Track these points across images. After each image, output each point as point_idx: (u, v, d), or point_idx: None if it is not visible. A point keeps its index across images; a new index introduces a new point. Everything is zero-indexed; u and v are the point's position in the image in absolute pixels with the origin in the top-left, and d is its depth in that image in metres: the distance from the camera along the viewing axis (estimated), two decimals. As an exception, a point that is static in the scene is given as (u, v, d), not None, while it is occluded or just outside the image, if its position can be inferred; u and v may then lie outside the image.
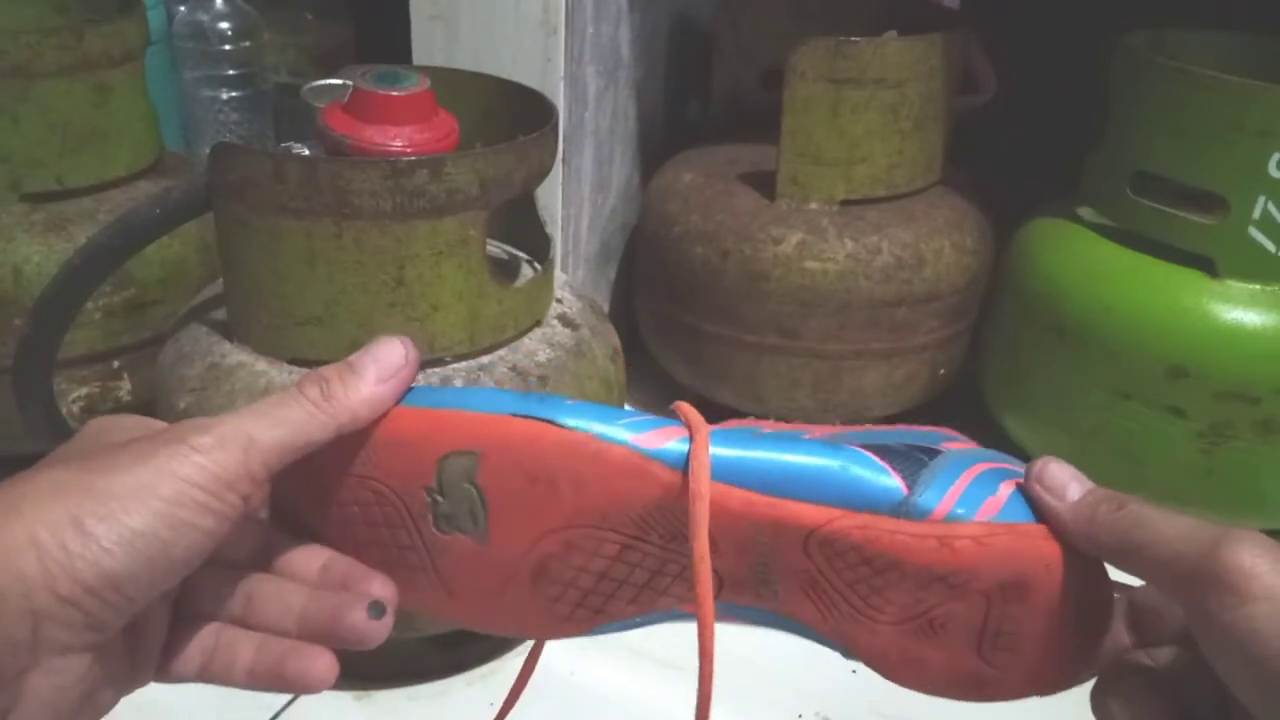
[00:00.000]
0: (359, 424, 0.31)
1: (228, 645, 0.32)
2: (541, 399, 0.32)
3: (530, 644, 0.38)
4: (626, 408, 0.33)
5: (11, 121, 0.68)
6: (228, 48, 1.05)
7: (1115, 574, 0.31)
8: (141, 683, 0.31)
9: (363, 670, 0.63)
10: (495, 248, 0.66)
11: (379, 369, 0.31)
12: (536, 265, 0.66)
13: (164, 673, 0.32)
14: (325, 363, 0.55)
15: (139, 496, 0.26)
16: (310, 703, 0.62)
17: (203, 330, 0.59)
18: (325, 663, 0.31)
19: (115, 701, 0.30)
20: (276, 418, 0.29)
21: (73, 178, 0.72)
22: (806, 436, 0.32)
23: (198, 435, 0.28)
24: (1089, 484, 0.30)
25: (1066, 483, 0.30)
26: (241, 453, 0.28)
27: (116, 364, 0.74)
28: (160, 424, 0.31)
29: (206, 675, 0.32)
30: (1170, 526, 0.28)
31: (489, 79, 0.65)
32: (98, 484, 0.26)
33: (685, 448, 0.31)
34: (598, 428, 0.31)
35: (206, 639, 0.32)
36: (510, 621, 0.35)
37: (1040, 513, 0.31)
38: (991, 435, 0.84)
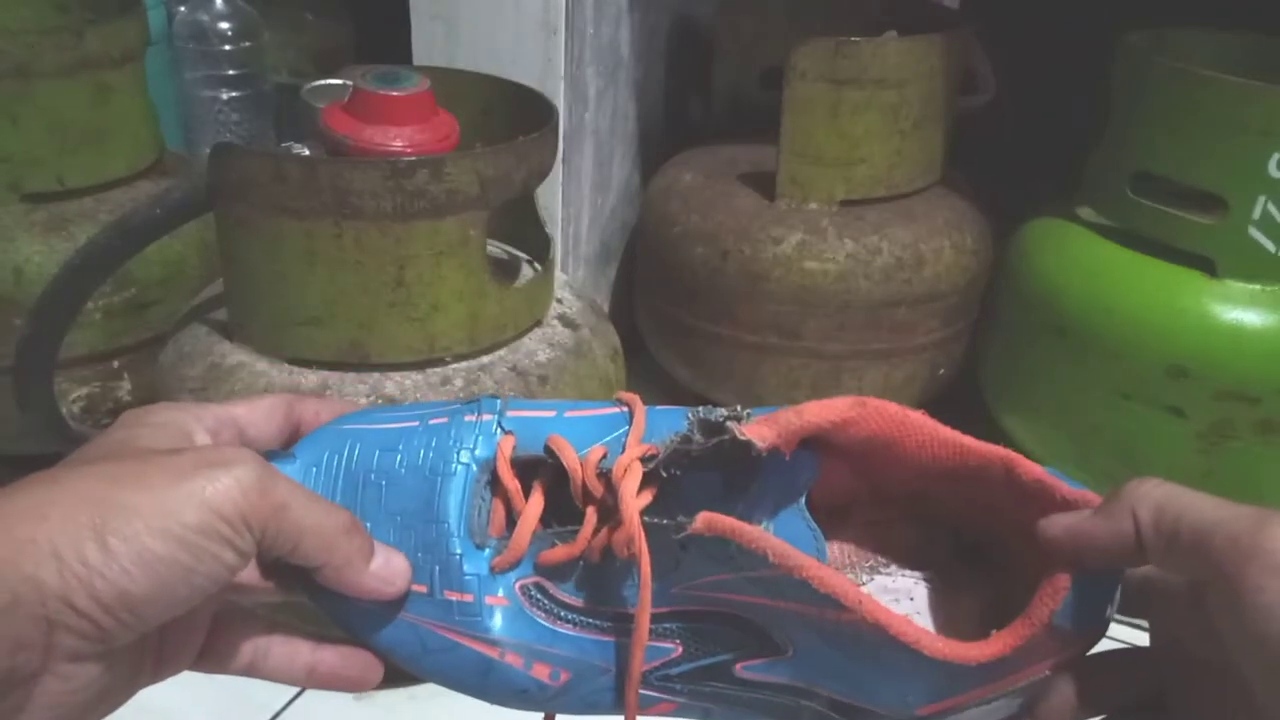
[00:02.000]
0: (342, 577, 0.30)
1: (285, 644, 0.33)
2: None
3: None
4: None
5: (11, 121, 0.68)
6: (228, 48, 1.05)
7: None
8: (171, 674, 0.31)
9: (363, 670, 0.63)
10: (495, 248, 0.66)
11: (388, 570, 0.31)
12: (536, 265, 0.66)
13: (206, 664, 0.32)
14: (325, 362, 0.55)
15: (164, 519, 0.26)
16: (310, 703, 0.62)
17: (203, 330, 0.59)
18: (380, 663, 0.33)
19: (131, 694, 0.30)
20: (311, 507, 0.29)
21: (73, 178, 0.72)
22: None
23: (244, 465, 0.28)
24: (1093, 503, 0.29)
25: (1074, 515, 0.29)
26: (271, 509, 0.28)
27: (116, 364, 0.74)
28: (191, 422, 0.31)
29: (256, 671, 0.33)
30: (1206, 500, 0.26)
31: (489, 79, 0.65)
32: (125, 499, 0.26)
33: None
34: None
35: (258, 636, 0.32)
36: None
37: (1077, 546, 0.29)
38: (992, 435, 0.84)
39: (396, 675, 0.54)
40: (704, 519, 0.29)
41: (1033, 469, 0.30)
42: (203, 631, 0.32)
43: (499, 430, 0.33)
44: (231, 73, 1.06)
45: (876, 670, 0.30)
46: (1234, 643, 0.25)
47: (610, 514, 0.31)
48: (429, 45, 0.78)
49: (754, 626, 0.31)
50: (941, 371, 0.86)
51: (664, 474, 0.30)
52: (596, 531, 0.31)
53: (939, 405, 0.89)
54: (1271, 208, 0.66)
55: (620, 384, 0.64)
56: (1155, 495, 0.27)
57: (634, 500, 0.30)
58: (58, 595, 0.25)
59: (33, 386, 0.60)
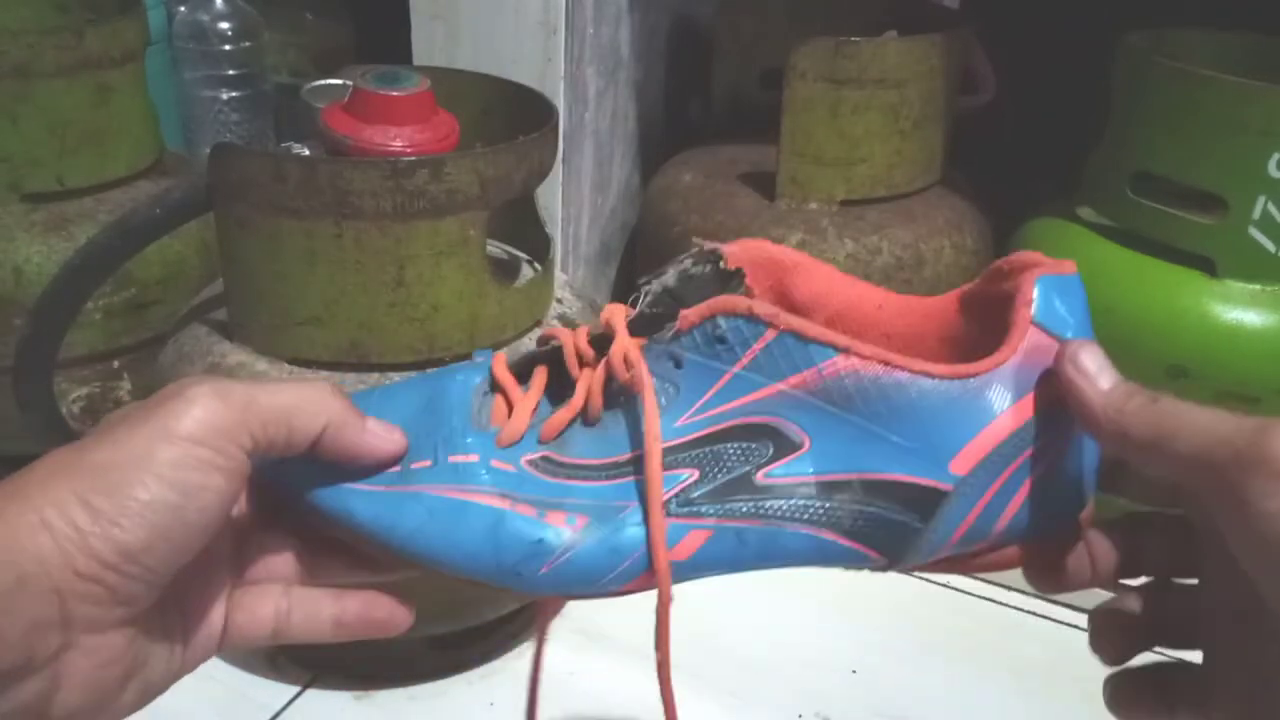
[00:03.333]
0: (344, 437, 0.30)
1: (306, 601, 0.32)
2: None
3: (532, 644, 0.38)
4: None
5: (11, 121, 0.68)
6: (228, 48, 1.05)
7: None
8: (201, 659, 0.31)
9: (363, 670, 0.63)
10: (495, 248, 0.66)
11: (384, 427, 0.31)
12: (536, 265, 0.66)
13: (231, 641, 0.32)
14: (325, 363, 0.56)
15: (140, 465, 0.26)
16: (310, 703, 0.62)
17: (203, 330, 0.59)
18: (408, 607, 0.32)
19: (169, 683, 0.30)
20: (280, 388, 0.29)
21: (73, 178, 0.72)
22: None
23: (195, 386, 0.28)
24: (1119, 375, 0.29)
25: (1099, 370, 0.29)
26: (241, 410, 0.28)
27: (116, 364, 0.74)
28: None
29: (283, 635, 0.32)
30: (1206, 415, 0.27)
31: (489, 79, 0.65)
32: (98, 458, 0.26)
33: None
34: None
35: (278, 600, 0.32)
36: None
37: (1070, 396, 0.29)
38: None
39: (396, 674, 0.55)
40: (687, 312, 0.30)
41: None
42: (221, 604, 0.31)
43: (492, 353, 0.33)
44: (231, 73, 1.06)
45: (895, 427, 0.30)
46: (1243, 555, 0.25)
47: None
48: (429, 45, 0.78)
49: (766, 430, 0.30)
50: (941, 371, 0.86)
51: (649, 311, 0.31)
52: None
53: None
54: (1271, 208, 0.66)
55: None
56: (1152, 414, 0.28)
57: (623, 321, 0.31)
58: (59, 564, 0.25)
59: (33, 386, 0.60)
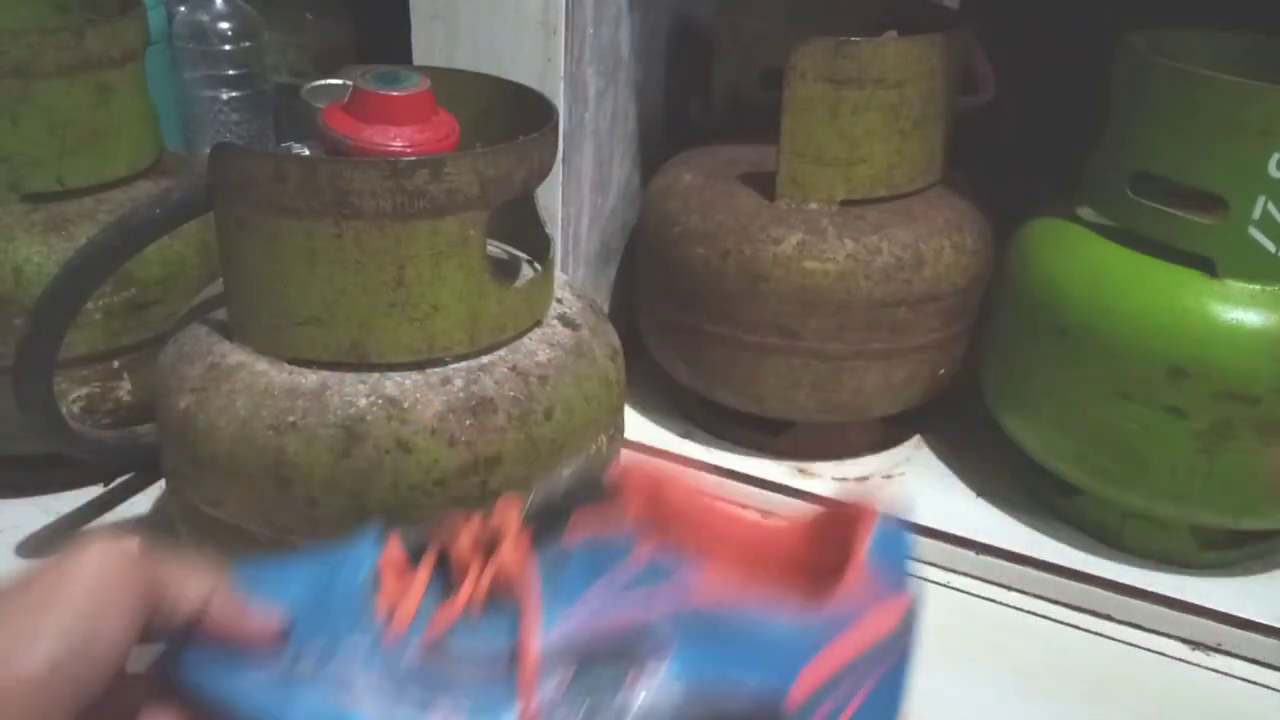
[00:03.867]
0: (225, 613, 0.31)
1: None
2: None
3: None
4: None
5: (11, 121, 0.68)
6: (228, 48, 1.05)
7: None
8: None
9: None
10: (495, 248, 0.66)
11: (266, 614, 0.32)
12: (536, 265, 0.66)
13: None
14: (325, 363, 0.56)
15: (45, 600, 0.28)
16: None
17: (203, 330, 0.59)
18: None
19: None
20: (169, 553, 0.31)
21: (73, 178, 0.72)
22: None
23: (94, 543, 0.29)
24: None
25: None
26: (134, 557, 0.29)
27: (116, 364, 0.74)
28: None
29: None
30: None
31: (489, 79, 0.65)
32: (6, 595, 0.28)
33: None
34: None
35: None
36: None
37: None
38: (991, 435, 0.84)
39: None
40: (572, 524, 0.33)
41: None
42: None
43: (385, 536, 0.35)
44: (231, 73, 1.06)
45: (745, 646, 0.33)
46: None
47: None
48: (429, 45, 0.78)
49: (636, 637, 0.33)
50: (941, 371, 0.86)
51: (538, 517, 0.34)
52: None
53: (939, 405, 0.89)
54: (1271, 208, 0.66)
55: (620, 384, 0.64)
56: None
57: (514, 524, 0.34)
58: None
59: (33, 386, 0.60)
